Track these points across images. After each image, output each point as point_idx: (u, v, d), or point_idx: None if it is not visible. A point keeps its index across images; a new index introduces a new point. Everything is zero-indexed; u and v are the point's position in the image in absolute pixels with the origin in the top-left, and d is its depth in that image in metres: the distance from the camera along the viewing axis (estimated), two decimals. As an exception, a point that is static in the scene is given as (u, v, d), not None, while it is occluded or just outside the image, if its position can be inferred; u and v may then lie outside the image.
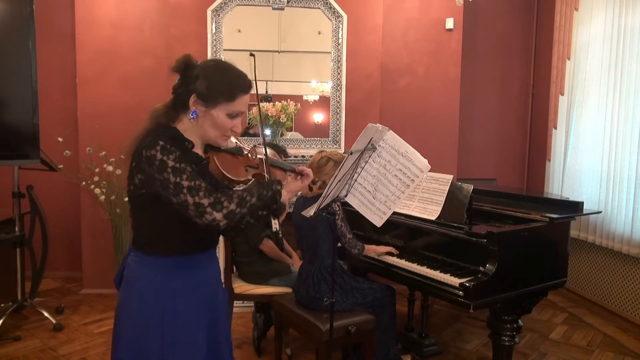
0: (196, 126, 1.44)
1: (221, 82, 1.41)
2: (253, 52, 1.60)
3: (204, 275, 1.53)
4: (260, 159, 1.62)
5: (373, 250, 2.70)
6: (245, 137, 4.00)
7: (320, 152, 2.61)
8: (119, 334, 1.46)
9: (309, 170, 1.65)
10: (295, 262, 3.14)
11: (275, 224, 1.44)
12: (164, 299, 1.42)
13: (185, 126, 1.45)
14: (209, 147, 1.54)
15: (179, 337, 1.43)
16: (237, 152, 1.58)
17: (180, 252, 1.46)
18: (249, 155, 1.61)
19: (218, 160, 1.50)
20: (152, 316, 1.42)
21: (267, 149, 1.64)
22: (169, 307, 1.42)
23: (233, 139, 1.59)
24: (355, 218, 2.42)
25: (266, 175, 1.57)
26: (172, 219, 1.38)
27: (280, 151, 2.96)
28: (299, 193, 2.75)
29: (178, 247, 1.45)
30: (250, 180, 1.58)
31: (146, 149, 1.33)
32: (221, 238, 2.68)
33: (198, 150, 1.48)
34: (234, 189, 1.56)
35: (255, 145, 1.67)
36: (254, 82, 1.53)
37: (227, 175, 1.49)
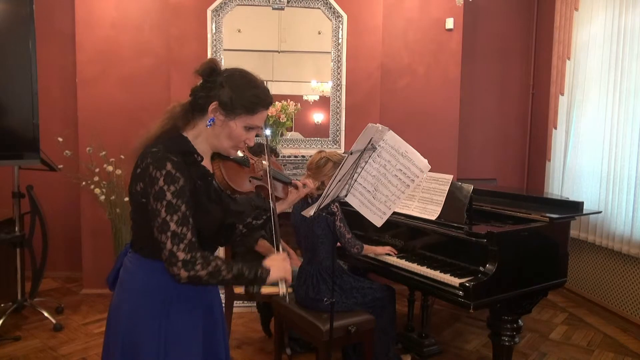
0: (210, 134, 1.43)
1: (245, 95, 1.39)
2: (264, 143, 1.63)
3: None
4: (265, 171, 1.62)
5: (372, 250, 2.70)
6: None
7: (320, 152, 2.60)
8: (110, 336, 1.44)
9: (308, 182, 1.67)
10: (294, 261, 3.14)
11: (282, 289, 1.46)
12: (160, 303, 1.41)
13: (199, 132, 1.43)
14: (217, 155, 1.51)
15: (175, 342, 1.41)
16: (243, 162, 1.57)
17: None
18: (255, 166, 1.61)
19: (224, 169, 1.48)
20: (148, 320, 1.39)
21: (269, 160, 1.64)
22: (165, 311, 1.41)
23: (262, 172, 1.61)
24: (355, 218, 2.42)
25: (269, 188, 1.56)
26: None
27: (271, 151, 2.97)
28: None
29: None
30: (253, 192, 1.58)
31: (154, 167, 1.30)
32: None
33: (207, 160, 1.46)
34: (234, 198, 1.56)
35: (261, 156, 1.67)
36: (269, 178, 1.55)
37: (231, 185, 1.48)
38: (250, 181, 1.56)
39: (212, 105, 1.38)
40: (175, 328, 1.42)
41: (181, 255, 1.28)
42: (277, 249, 1.50)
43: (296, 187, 1.71)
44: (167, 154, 1.31)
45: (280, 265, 1.46)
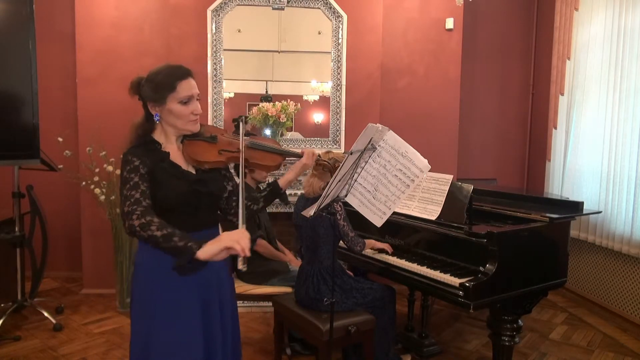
0: (165, 124, 1.62)
1: (158, 80, 1.58)
2: (239, 118, 1.76)
3: None
4: (245, 146, 1.70)
5: (372, 244, 2.71)
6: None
7: (327, 152, 2.60)
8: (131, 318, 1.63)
9: (309, 151, 1.82)
10: (292, 261, 3.14)
11: (240, 264, 1.38)
12: (156, 279, 1.55)
13: (160, 130, 1.64)
14: (185, 137, 1.66)
15: (170, 315, 1.54)
16: (211, 140, 1.69)
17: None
18: (229, 142, 1.71)
19: (189, 147, 1.63)
20: (146, 295, 1.56)
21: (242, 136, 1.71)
22: (160, 286, 1.55)
23: (236, 144, 1.70)
24: (355, 218, 2.42)
25: (241, 160, 1.64)
26: (155, 204, 1.52)
27: (247, 134, 2.97)
28: (299, 192, 2.74)
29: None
30: (224, 162, 1.67)
31: (121, 167, 1.54)
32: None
33: (170, 146, 1.63)
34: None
35: (243, 139, 1.72)
36: (241, 139, 1.68)
37: (195, 158, 1.60)
38: (220, 153, 1.67)
39: (149, 105, 1.60)
40: (169, 303, 1.55)
41: (126, 209, 1.44)
42: (242, 223, 1.48)
43: (296, 156, 1.86)
44: (128, 151, 1.56)
45: (224, 238, 1.35)
